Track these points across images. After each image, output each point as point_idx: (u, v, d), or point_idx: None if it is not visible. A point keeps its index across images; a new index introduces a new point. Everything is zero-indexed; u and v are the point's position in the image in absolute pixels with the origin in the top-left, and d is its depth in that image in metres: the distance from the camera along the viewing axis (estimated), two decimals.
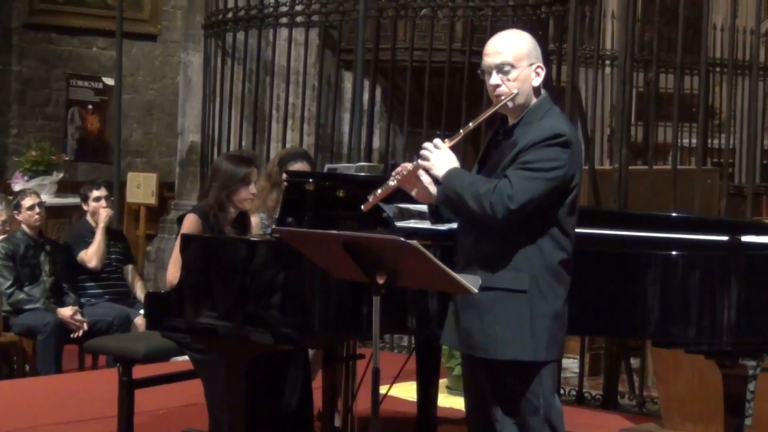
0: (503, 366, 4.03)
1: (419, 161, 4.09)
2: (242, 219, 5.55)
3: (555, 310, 4.04)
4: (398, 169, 4.13)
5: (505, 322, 3.99)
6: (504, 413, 4.09)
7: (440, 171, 4.04)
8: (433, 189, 4.11)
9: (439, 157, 4.06)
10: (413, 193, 4.17)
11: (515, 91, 4.04)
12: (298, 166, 6.05)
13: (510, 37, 4.15)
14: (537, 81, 4.09)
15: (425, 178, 4.12)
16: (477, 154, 4.29)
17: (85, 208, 8.65)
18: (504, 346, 4.00)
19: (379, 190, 4.14)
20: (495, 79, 4.06)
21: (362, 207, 4.25)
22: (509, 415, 4.08)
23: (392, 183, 4.12)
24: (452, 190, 3.99)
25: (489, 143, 4.22)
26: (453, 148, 4.10)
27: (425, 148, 4.09)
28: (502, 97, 4.05)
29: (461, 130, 4.16)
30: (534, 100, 4.10)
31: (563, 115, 4.19)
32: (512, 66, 4.04)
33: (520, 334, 3.99)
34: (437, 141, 4.10)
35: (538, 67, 4.09)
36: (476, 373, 4.17)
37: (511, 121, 4.13)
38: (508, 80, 4.05)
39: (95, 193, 8.58)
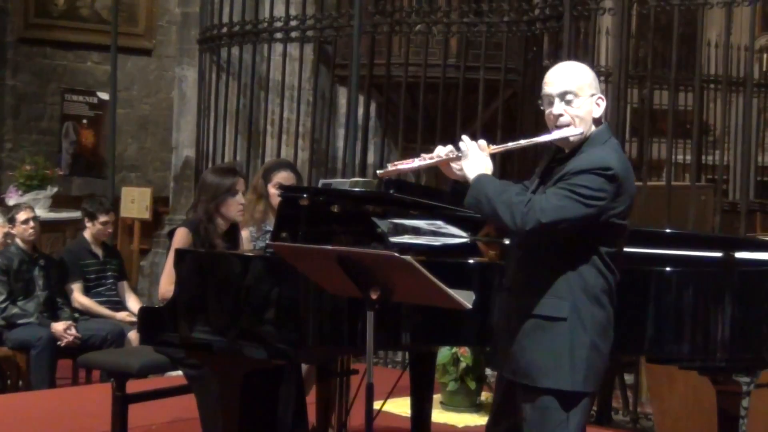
0: (541, 393, 3.99)
1: (453, 152, 4.08)
2: (233, 232, 5.57)
3: (594, 341, 3.97)
4: (435, 152, 4.12)
5: (544, 350, 3.96)
6: None
7: (471, 173, 4.01)
8: (461, 174, 4.08)
9: (475, 158, 4.04)
10: (444, 171, 4.16)
11: (581, 130, 3.99)
12: (282, 175, 6.05)
13: (572, 67, 4.12)
14: (598, 112, 4.05)
15: (456, 166, 4.10)
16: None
17: (87, 224, 8.64)
18: (543, 375, 3.96)
19: (402, 164, 4.16)
20: (558, 108, 4.02)
21: (378, 172, 4.32)
22: None
23: (422, 163, 4.12)
24: (483, 194, 3.94)
25: (544, 171, 4.15)
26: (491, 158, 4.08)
27: (463, 141, 4.07)
28: (565, 129, 4.01)
29: (510, 143, 4.17)
30: (593, 130, 4.05)
31: (619, 148, 4.10)
32: (575, 95, 4.00)
33: (559, 364, 3.94)
34: (482, 142, 4.08)
35: (599, 98, 4.06)
36: (514, 398, 4.13)
37: (565, 150, 4.08)
38: (572, 110, 4.01)
39: (104, 218, 8.59)
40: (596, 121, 4.06)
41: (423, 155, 4.16)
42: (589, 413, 4.19)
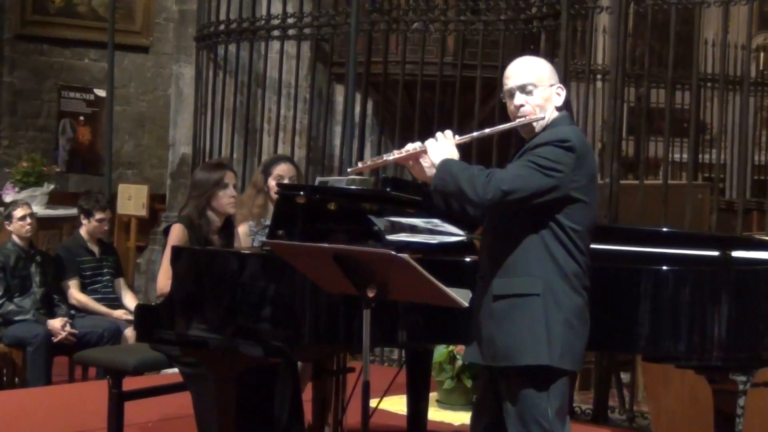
0: (521, 373, 4.03)
1: (421, 147, 4.12)
2: (228, 227, 5.58)
3: (568, 319, 4.04)
4: (405, 148, 4.17)
5: (521, 328, 4.02)
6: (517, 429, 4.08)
7: (437, 158, 4.06)
8: (431, 171, 4.11)
9: (440, 146, 4.09)
10: (412, 171, 4.21)
11: (544, 116, 4.11)
12: (282, 167, 6.07)
13: (530, 60, 4.25)
14: (558, 101, 4.17)
15: (425, 162, 4.13)
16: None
17: (83, 221, 8.62)
18: (522, 353, 4.02)
19: (371, 160, 4.25)
20: (519, 99, 4.13)
21: (348, 170, 4.52)
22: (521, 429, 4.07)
23: (389, 158, 4.18)
24: (448, 173, 3.99)
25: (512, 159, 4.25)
26: (459, 148, 4.13)
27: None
28: (527, 117, 4.12)
29: (474, 133, 4.25)
30: (554, 116, 4.17)
31: (580, 132, 4.23)
32: (535, 86, 4.12)
33: (536, 339, 4.01)
34: (447, 131, 4.15)
35: (559, 87, 4.19)
36: (496, 390, 4.17)
37: (526, 139, 4.17)
38: (532, 99, 4.12)
39: (100, 215, 8.57)
40: (558, 110, 4.18)
41: (393, 150, 4.24)
42: (567, 399, 4.22)
